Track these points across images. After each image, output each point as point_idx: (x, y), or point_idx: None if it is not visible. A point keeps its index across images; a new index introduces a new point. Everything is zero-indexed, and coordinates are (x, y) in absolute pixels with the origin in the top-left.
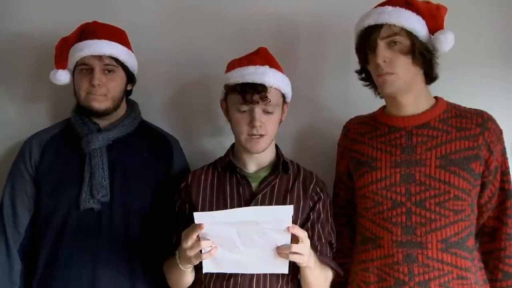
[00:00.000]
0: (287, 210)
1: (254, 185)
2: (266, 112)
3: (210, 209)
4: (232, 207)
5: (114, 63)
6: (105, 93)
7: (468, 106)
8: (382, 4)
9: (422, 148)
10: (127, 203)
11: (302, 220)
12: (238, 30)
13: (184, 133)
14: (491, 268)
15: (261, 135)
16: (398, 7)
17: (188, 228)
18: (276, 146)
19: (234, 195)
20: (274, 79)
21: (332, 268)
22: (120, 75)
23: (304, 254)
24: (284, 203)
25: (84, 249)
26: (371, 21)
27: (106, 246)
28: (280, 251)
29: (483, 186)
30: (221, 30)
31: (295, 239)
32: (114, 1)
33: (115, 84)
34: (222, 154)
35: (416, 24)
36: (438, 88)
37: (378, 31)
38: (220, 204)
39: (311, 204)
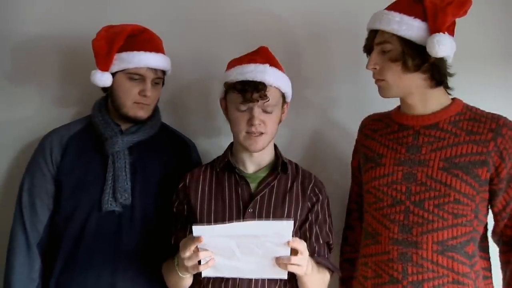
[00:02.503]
0: (288, 226)
1: (252, 185)
2: (265, 111)
3: (209, 210)
4: (230, 208)
5: (161, 76)
6: (150, 103)
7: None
8: (388, 7)
9: (427, 149)
10: (147, 207)
11: (300, 221)
12: (240, 32)
13: (183, 132)
14: (508, 280)
15: (260, 133)
16: (394, 11)
17: (186, 238)
18: (275, 146)
19: (233, 196)
20: (274, 78)
21: (329, 269)
22: (161, 85)
23: (303, 265)
24: (283, 204)
25: (103, 251)
26: (368, 26)
27: (126, 249)
28: (280, 262)
29: (493, 194)
30: (222, 31)
31: (294, 251)
32: (113, 1)
33: (158, 94)
34: (220, 154)
35: (408, 30)
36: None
37: (374, 37)
38: (218, 205)
39: (309, 205)
